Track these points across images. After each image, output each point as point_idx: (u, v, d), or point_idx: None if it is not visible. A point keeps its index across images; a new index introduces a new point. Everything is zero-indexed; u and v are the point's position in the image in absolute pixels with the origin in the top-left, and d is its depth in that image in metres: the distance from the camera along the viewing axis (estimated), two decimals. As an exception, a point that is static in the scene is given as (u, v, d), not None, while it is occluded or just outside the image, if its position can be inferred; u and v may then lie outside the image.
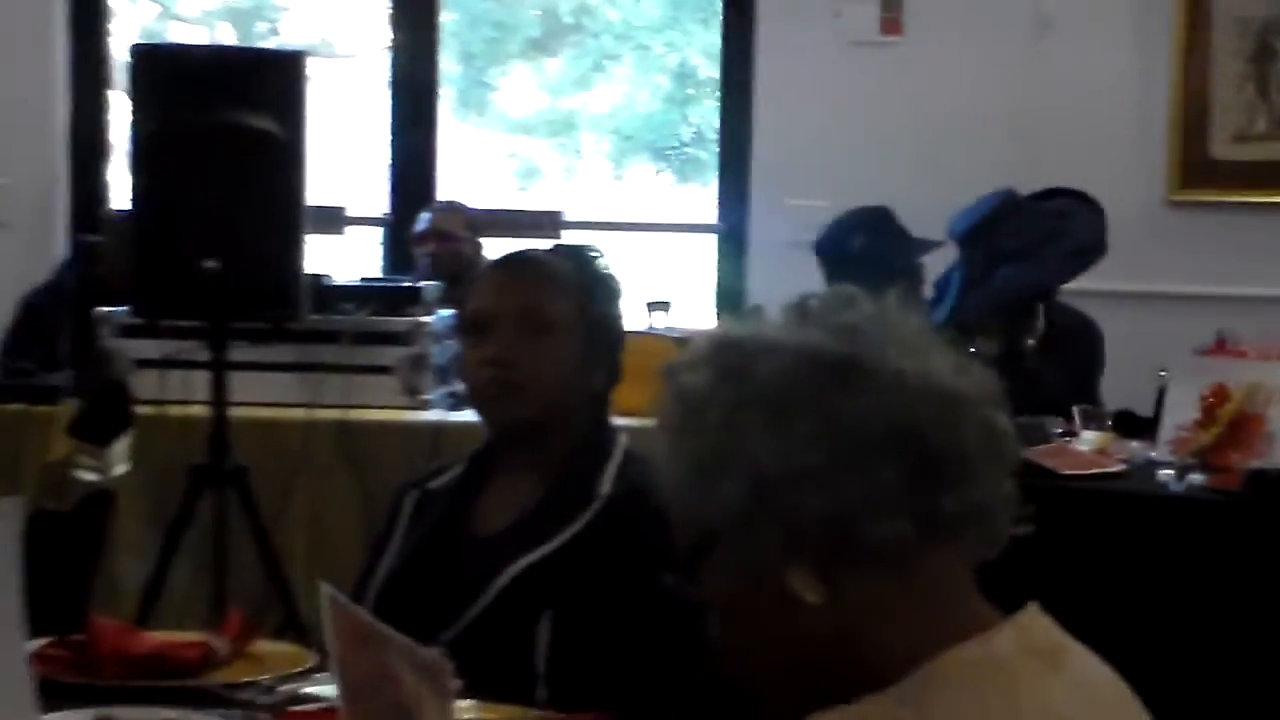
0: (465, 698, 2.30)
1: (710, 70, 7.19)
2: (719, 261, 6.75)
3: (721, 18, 6.79)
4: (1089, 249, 5.16)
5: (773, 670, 1.59)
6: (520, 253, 2.95)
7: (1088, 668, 1.61)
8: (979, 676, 1.52)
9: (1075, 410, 4.59)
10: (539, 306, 2.76)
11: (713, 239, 6.79)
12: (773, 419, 1.55)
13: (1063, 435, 4.50)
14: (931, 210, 5.47)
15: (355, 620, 1.88)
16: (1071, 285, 5.24)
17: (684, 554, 1.61)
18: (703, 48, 7.45)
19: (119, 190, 6.56)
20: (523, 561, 2.65)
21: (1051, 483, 4.07)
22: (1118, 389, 5.17)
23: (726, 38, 6.73)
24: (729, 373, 1.58)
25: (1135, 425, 4.57)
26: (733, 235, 6.67)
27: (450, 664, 1.91)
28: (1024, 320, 5.11)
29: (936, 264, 5.45)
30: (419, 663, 1.87)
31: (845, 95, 6.43)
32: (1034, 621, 1.60)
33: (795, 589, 1.54)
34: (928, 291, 5.45)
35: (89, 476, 2.94)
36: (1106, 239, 5.21)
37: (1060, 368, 5.04)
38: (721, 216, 6.75)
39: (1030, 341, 5.08)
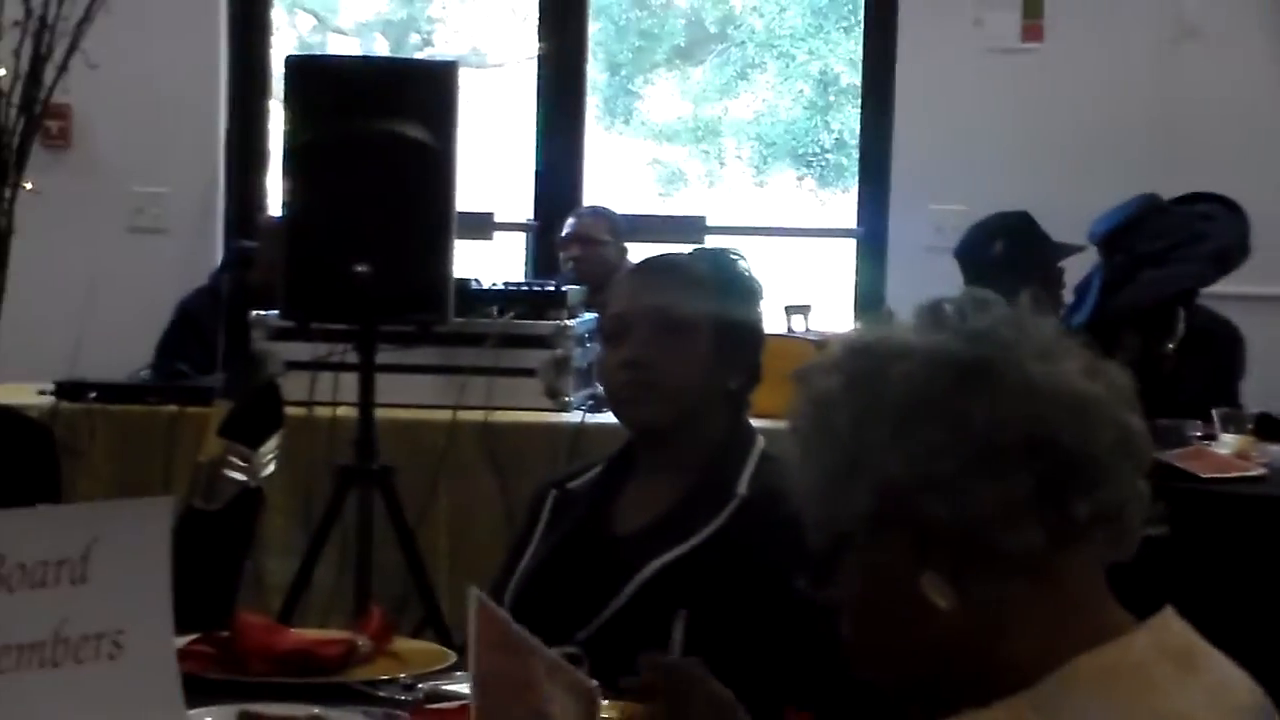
0: (601, 697, 2.33)
1: (852, 77, 7.18)
2: (859, 266, 6.73)
3: (863, 26, 6.78)
4: (1231, 252, 5.10)
5: (905, 672, 1.59)
6: (658, 257, 2.96)
7: (1223, 672, 1.60)
8: (1113, 681, 1.51)
9: (1215, 413, 4.54)
10: (674, 309, 2.76)
11: (853, 244, 6.78)
12: (902, 426, 1.54)
13: (1202, 438, 4.46)
14: (1072, 215, 5.44)
15: (501, 626, 1.87)
16: (1213, 289, 5.19)
17: (817, 558, 1.61)
18: (844, 55, 7.44)
19: (274, 197, 6.66)
20: (659, 561, 2.66)
21: (1191, 486, 4.04)
22: (1258, 393, 5.12)
23: (868, 45, 6.72)
24: (860, 379, 1.58)
25: (1276, 429, 4.53)
26: (873, 240, 6.65)
27: (600, 689, 1.91)
28: (1165, 324, 5.06)
29: (1077, 269, 5.42)
30: (567, 681, 1.86)
31: (986, 101, 6.40)
32: (1169, 625, 1.59)
33: (926, 594, 1.54)
34: (1068, 296, 5.41)
35: (239, 476, 2.99)
36: (1249, 242, 5.15)
37: (1200, 371, 4.99)
38: (862, 221, 6.74)
39: (1170, 345, 5.04)
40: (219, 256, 6.52)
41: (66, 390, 4.88)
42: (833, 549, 1.60)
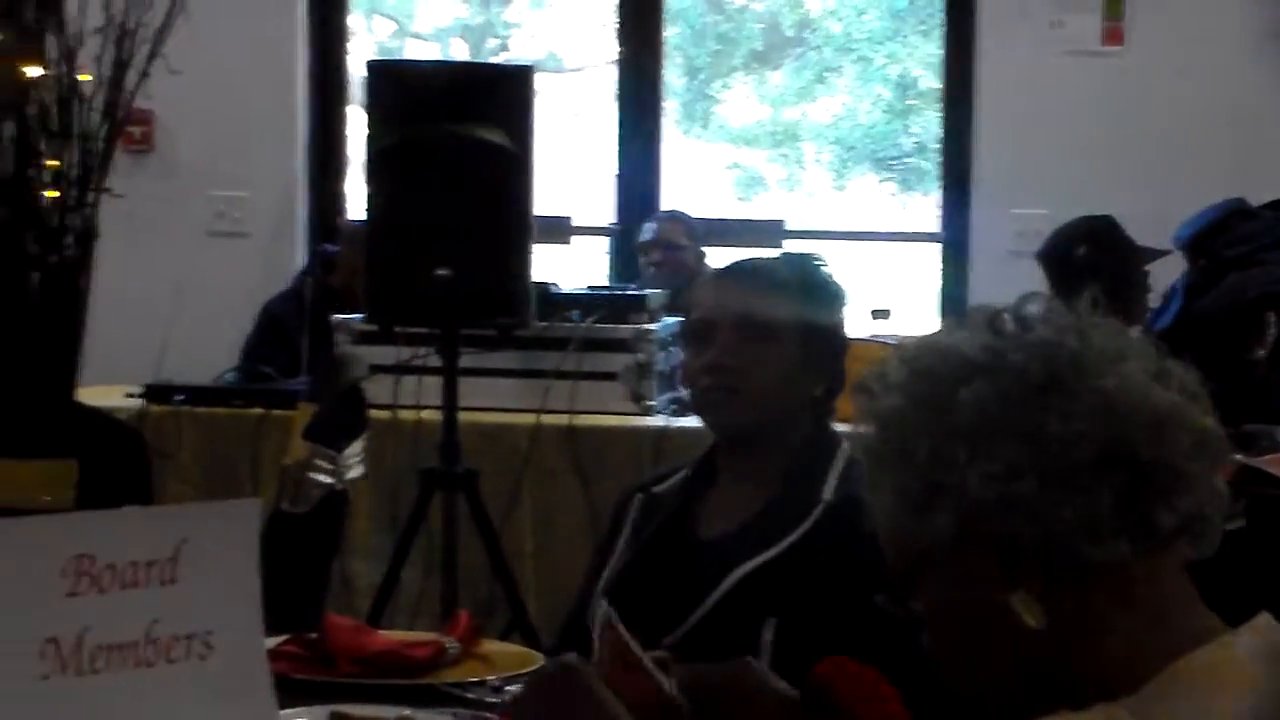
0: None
1: (931, 81, 7.16)
2: (942, 270, 6.72)
3: (943, 29, 6.76)
4: (1319, 257, 5.07)
5: (993, 684, 1.58)
6: (742, 261, 2.94)
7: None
8: (1214, 683, 1.50)
9: (1305, 418, 4.50)
10: (758, 313, 2.76)
11: (935, 248, 6.77)
12: (979, 448, 1.53)
13: (1292, 444, 4.42)
14: (1156, 219, 5.41)
15: (624, 646, 1.88)
16: (1301, 294, 5.15)
17: (896, 575, 1.60)
18: (923, 59, 7.42)
19: (355, 201, 6.69)
20: (746, 566, 2.65)
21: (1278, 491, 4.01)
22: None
23: (948, 48, 6.70)
24: (928, 403, 1.57)
25: (1366, 435, 4.48)
26: (955, 244, 6.63)
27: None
28: (1253, 327, 5.02)
29: (1162, 273, 5.39)
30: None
31: (1067, 104, 6.37)
32: (1269, 626, 1.57)
33: (1013, 611, 1.53)
34: (1154, 300, 5.38)
35: (325, 479, 3.00)
36: (1337, 246, 5.12)
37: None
38: (944, 226, 6.72)
39: (1260, 351, 4.99)
40: (300, 260, 6.56)
41: (155, 393, 4.93)
42: (912, 567, 1.59)
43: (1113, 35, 6.37)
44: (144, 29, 2.13)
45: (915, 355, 1.62)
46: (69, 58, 2.10)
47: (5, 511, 1.89)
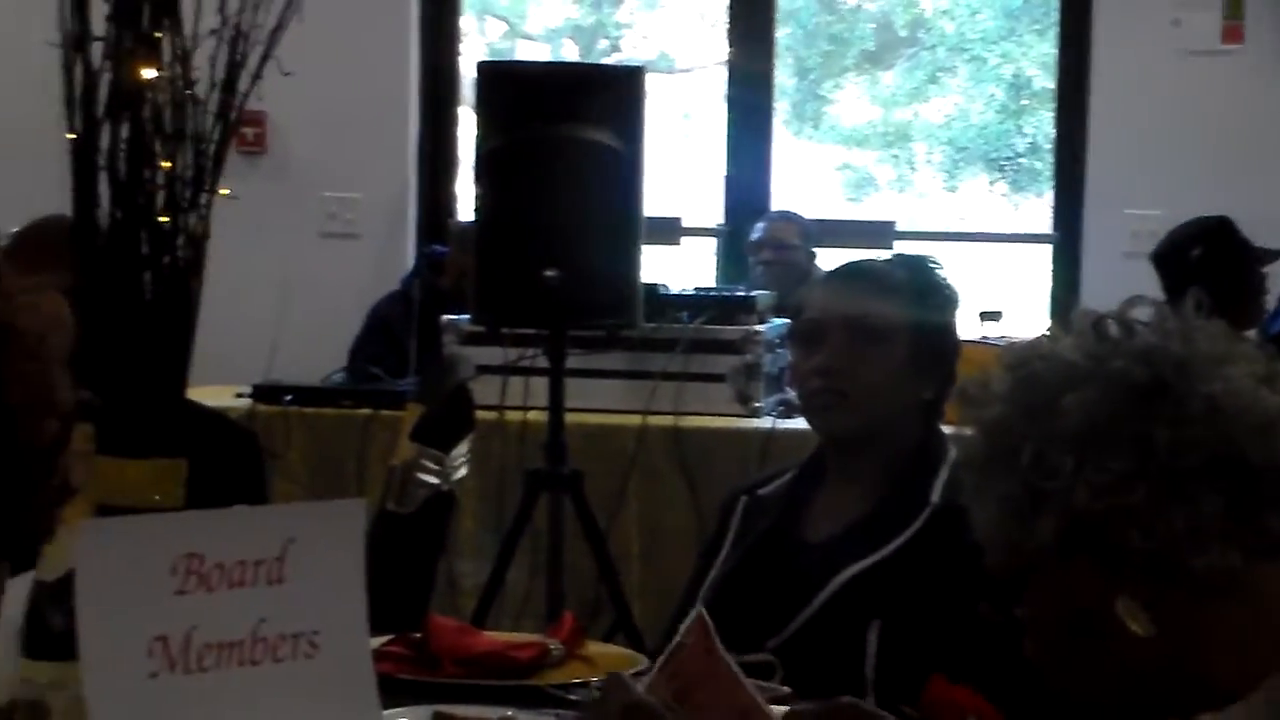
0: (793, 704, 2.31)
1: (1045, 80, 7.10)
2: (1053, 272, 6.66)
3: (1058, 28, 6.70)
4: None
5: (1099, 692, 1.57)
6: (853, 263, 2.94)
7: None
8: None
9: None
10: (869, 317, 2.75)
11: (1047, 249, 6.71)
12: (1085, 457, 1.52)
13: None
14: (1273, 220, 5.35)
15: (714, 651, 1.87)
16: None
17: (1000, 582, 1.60)
18: (1038, 58, 7.37)
19: (465, 202, 6.72)
20: (852, 569, 2.65)
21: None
22: None
23: (1063, 48, 6.64)
24: (1032, 410, 1.56)
25: None
26: (1068, 245, 6.58)
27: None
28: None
29: (1279, 276, 5.33)
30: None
31: (1184, 104, 6.30)
32: None
33: (1119, 619, 1.52)
34: (1271, 302, 5.32)
35: (431, 480, 3.01)
36: None
37: None
38: (1056, 226, 6.67)
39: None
40: (410, 261, 6.59)
41: (263, 393, 4.97)
42: (1016, 575, 1.59)
43: (1232, 34, 6.30)
44: (257, 30, 2.14)
45: (1019, 362, 1.61)
46: (184, 60, 2.11)
47: (115, 510, 1.91)
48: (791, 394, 4.15)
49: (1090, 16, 6.45)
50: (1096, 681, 1.56)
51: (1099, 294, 6.17)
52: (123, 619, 1.61)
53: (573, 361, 4.41)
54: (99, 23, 2.13)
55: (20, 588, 1.65)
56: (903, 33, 7.88)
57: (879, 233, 6.53)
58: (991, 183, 7.87)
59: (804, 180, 7.46)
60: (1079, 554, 1.53)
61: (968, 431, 1.61)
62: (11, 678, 1.72)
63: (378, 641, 2.27)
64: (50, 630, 1.71)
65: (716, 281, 6.66)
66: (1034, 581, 1.57)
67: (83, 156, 2.11)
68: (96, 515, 1.87)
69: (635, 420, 4.74)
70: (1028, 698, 1.75)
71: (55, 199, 2.28)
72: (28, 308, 1.19)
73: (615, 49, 7.99)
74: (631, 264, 4.34)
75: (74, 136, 2.11)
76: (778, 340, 4.86)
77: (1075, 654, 1.57)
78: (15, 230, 2.84)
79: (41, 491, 1.21)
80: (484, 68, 4.54)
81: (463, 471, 3.10)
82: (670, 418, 4.76)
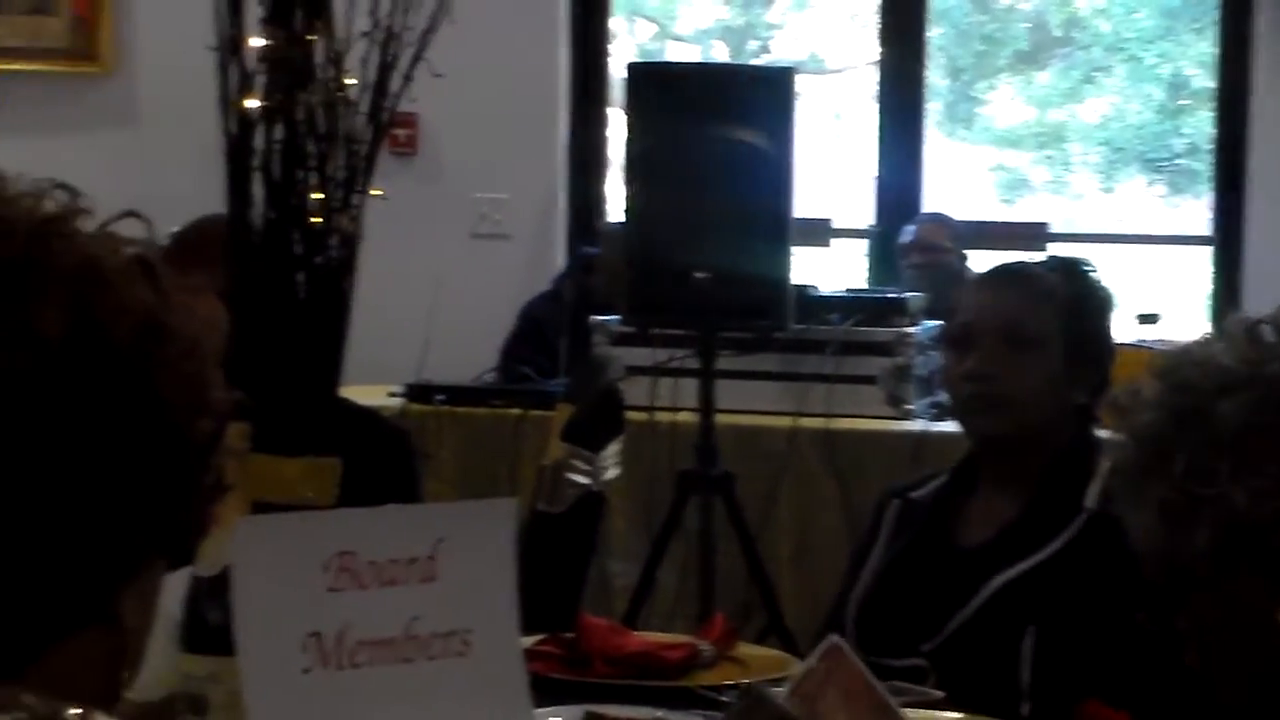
0: (947, 709, 2.30)
1: (1205, 80, 6.99)
2: (1213, 274, 6.56)
3: (1217, 26, 6.60)
4: None
5: (1262, 698, 1.55)
6: (1007, 265, 2.93)
7: None
8: None
9: None
10: (1023, 321, 2.74)
11: (1206, 251, 6.61)
12: (1242, 462, 1.51)
13: None
14: None
15: (856, 674, 1.87)
16: None
17: (1157, 591, 1.59)
18: (1196, 57, 7.26)
19: (615, 203, 6.73)
20: (1006, 575, 2.63)
21: None
22: None
23: (1223, 47, 6.54)
24: (1187, 416, 1.54)
25: None
26: (1228, 248, 6.47)
27: None
28: None
29: None
30: None
31: (1349, 103, 6.19)
32: None
33: None
34: None
35: (582, 480, 3.02)
36: None
37: None
38: (1216, 229, 6.57)
39: None
40: (560, 262, 6.61)
41: (416, 393, 5.01)
42: (1174, 584, 1.57)
43: (1396, 29, 6.17)
44: (409, 32, 2.16)
45: (1169, 369, 1.59)
46: (336, 62, 2.13)
47: (269, 507, 1.92)
48: (943, 396, 4.11)
49: (1251, 15, 6.34)
50: (1262, 693, 1.54)
51: (1260, 297, 6.08)
52: (278, 615, 1.63)
53: (723, 363, 4.41)
54: (253, 26, 2.15)
55: (178, 583, 1.67)
56: (1057, 32, 7.79)
57: (1033, 235, 6.46)
58: (1149, 184, 7.76)
59: (957, 181, 7.40)
60: (1240, 561, 1.51)
61: (1119, 441, 1.60)
62: (170, 672, 1.74)
63: (529, 641, 2.29)
64: (207, 625, 1.74)
65: (867, 283, 6.63)
66: (1193, 592, 1.55)
67: (237, 158, 2.13)
68: (252, 512, 1.88)
69: (786, 422, 4.73)
70: (1184, 710, 1.73)
71: (211, 200, 2.30)
72: (183, 308, 1.20)
73: (765, 50, 7.96)
74: (782, 265, 4.33)
75: (229, 138, 2.14)
76: (930, 342, 4.82)
77: (1238, 666, 1.55)
78: (173, 231, 2.87)
79: (197, 489, 1.22)
80: (634, 69, 4.56)
81: (613, 472, 3.11)
82: (821, 420, 4.74)
